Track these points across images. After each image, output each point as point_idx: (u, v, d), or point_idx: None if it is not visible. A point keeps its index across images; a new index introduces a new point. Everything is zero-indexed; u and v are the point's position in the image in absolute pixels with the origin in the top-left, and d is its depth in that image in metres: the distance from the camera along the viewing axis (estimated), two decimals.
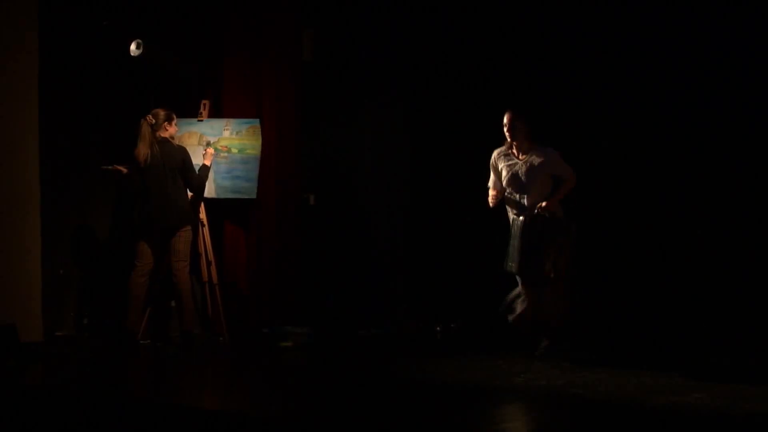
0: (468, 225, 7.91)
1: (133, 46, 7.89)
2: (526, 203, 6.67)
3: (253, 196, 8.13)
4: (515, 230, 6.59)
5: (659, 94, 7.27)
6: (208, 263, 7.95)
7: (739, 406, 5.00)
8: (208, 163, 7.75)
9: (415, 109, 8.61)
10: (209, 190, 7.99)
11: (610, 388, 5.54)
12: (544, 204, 6.57)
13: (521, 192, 6.69)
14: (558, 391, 5.51)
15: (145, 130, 7.41)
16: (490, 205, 6.87)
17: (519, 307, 6.69)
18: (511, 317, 6.75)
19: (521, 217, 6.57)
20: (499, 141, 6.88)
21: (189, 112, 8.18)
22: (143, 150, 7.38)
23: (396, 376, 6.26)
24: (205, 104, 8.23)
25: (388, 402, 5.38)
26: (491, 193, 6.86)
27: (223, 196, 8.12)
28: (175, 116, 7.56)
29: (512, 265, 6.58)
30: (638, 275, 7.30)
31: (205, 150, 7.83)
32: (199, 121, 8.18)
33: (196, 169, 7.66)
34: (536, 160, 6.67)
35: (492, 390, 5.68)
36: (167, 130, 7.50)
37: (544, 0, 7.75)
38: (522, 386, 5.70)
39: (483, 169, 7.08)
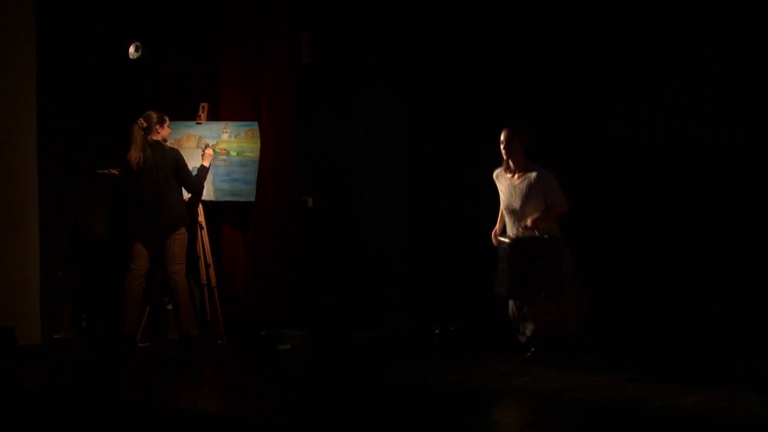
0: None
1: (131, 49, 7.90)
2: (517, 223, 6.60)
3: (252, 198, 8.14)
4: (502, 253, 6.48)
5: (657, 101, 7.27)
6: (207, 266, 7.95)
7: (737, 409, 5.00)
8: (206, 164, 7.74)
9: (413, 111, 8.61)
10: (208, 193, 7.99)
11: (608, 391, 5.55)
12: (529, 222, 6.50)
13: (515, 212, 6.61)
14: (556, 394, 5.51)
15: (137, 133, 7.39)
16: (495, 245, 6.80)
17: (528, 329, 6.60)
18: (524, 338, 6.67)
19: (507, 240, 6.49)
20: (497, 141, 6.86)
21: (187, 114, 8.19)
22: (135, 154, 7.36)
23: (394, 379, 6.26)
24: (203, 107, 8.23)
25: (385, 405, 5.38)
26: (495, 228, 6.79)
27: (221, 198, 8.13)
28: (167, 118, 7.54)
29: (501, 288, 6.48)
30: (636, 279, 7.30)
31: (204, 151, 7.83)
32: (197, 123, 8.18)
33: (193, 170, 7.67)
34: (531, 180, 6.53)
35: (490, 393, 5.68)
36: (159, 132, 7.48)
37: (539, 9, 7.75)
38: (520, 389, 5.71)
39: (481, 172, 7.07)
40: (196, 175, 7.65)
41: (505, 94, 7.82)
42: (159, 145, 7.46)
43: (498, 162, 6.75)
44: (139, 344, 7.63)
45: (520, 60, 7.85)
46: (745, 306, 6.86)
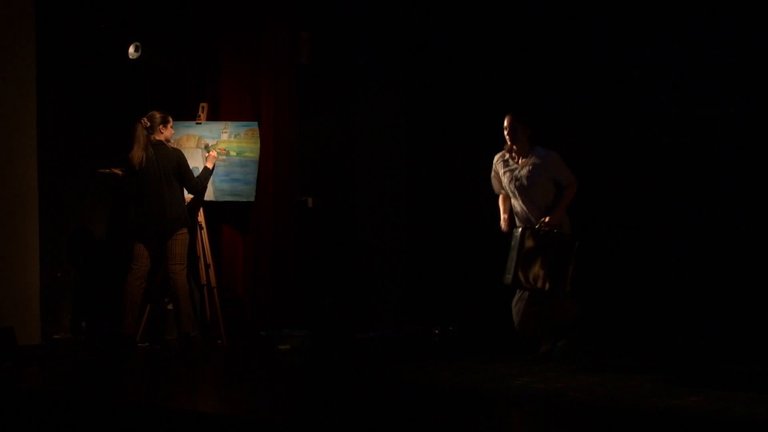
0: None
1: (131, 49, 7.90)
2: (527, 209, 6.60)
3: (252, 198, 8.14)
4: (514, 242, 6.49)
5: (661, 94, 7.27)
6: (207, 266, 7.95)
7: (736, 409, 5.00)
8: (210, 166, 7.74)
9: (413, 111, 8.62)
10: (207, 193, 7.99)
11: (608, 391, 5.54)
12: (546, 219, 6.50)
13: (522, 197, 6.62)
14: (556, 394, 5.51)
15: (140, 133, 7.39)
16: (504, 230, 6.79)
17: (520, 315, 6.61)
18: (516, 325, 6.67)
19: (520, 229, 6.50)
20: (497, 144, 6.86)
21: (187, 114, 8.19)
22: (138, 153, 7.37)
23: (394, 379, 6.26)
24: (203, 107, 8.23)
25: (385, 405, 5.38)
26: (502, 217, 6.77)
27: (221, 199, 8.13)
28: (170, 119, 7.54)
29: (508, 276, 6.49)
30: (637, 279, 7.30)
31: (208, 153, 7.83)
32: (197, 123, 8.18)
33: (194, 170, 7.67)
34: (536, 163, 6.56)
35: (490, 393, 5.68)
36: (162, 132, 7.48)
37: (538, 9, 7.75)
38: (520, 389, 5.70)
39: (481, 172, 7.07)
40: (198, 176, 7.65)
41: (505, 94, 7.82)
42: (162, 145, 7.46)
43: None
44: (139, 344, 7.63)
45: (520, 61, 7.86)
46: (745, 306, 6.86)
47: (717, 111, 7.01)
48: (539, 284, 6.39)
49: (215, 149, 7.97)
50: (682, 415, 4.89)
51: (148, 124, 7.43)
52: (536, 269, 6.39)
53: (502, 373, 6.22)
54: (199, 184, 7.64)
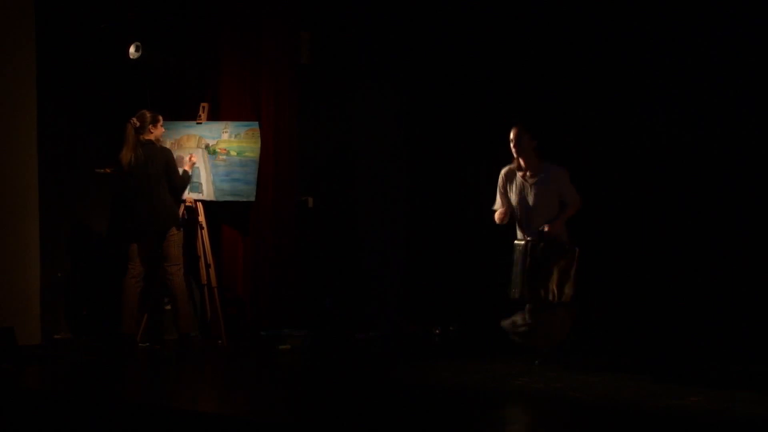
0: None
1: (132, 49, 7.90)
2: (532, 223, 6.55)
3: (252, 198, 8.13)
4: (517, 255, 6.43)
5: (665, 102, 7.26)
6: (207, 266, 7.95)
7: (736, 409, 5.00)
8: (188, 169, 7.75)
9: (413, 112, 8.62)
10: (208, 193, 8.00)
11: (607, 391, 5.55)
12: (546, 228, 6.46)
13: (528, 211, 6.55)
14: (556, 394, 5.51)
15: (129, 133, 7.39)
16: (497, 222, 6.73)
17: (522, 330, 6.56)
18: (517, 337, 6.63)
19: (523, 242, 6.46)
20: (496, 144, 6.86)
21: (187, 114, 8.19)
22: (127, 154, 7.36)
23: (394, 379, 6.26)
24: (204, 107, 8.23)
25: (386, 405, 5.38)
26: (498, 212, 6.68)
27: (221, 198, 8.13)
28: (161, 118, 7.53)
29: (515, 291, 6.44)
30: (637, 279, 7.30)
31: (189, 158, 7.84)
32: (197, 123, 8.18)
33: (196, 171, 7.69)
34: (543, 179, 6.49)
35: (490, 393, 5.68)
36: (152, 132, 7.47)
37: (542, 8, 7.75)
38: (520, 389, 5.70)
39: (481, 173, 7.07)
40: (180, 176, 7.65)
41: (505, 95, 7.82)
42: (151, 145, 7.45)
43: (499, 161, 6.74)
44: (139, 344, 7.63)
45: (519, 61, 7.85)
46: (745, 306, 6.86)
47: (717, 111, 7.00)
48: (550, 297, 6.35)
49: (212, 148, 7.97)
50: (682, 415, 4.89)
51: (138, 123, 7.42)
52: (544, 282, 6.35)
53: (502, 373, 6.22)
54: (178, 186, 7.62)
